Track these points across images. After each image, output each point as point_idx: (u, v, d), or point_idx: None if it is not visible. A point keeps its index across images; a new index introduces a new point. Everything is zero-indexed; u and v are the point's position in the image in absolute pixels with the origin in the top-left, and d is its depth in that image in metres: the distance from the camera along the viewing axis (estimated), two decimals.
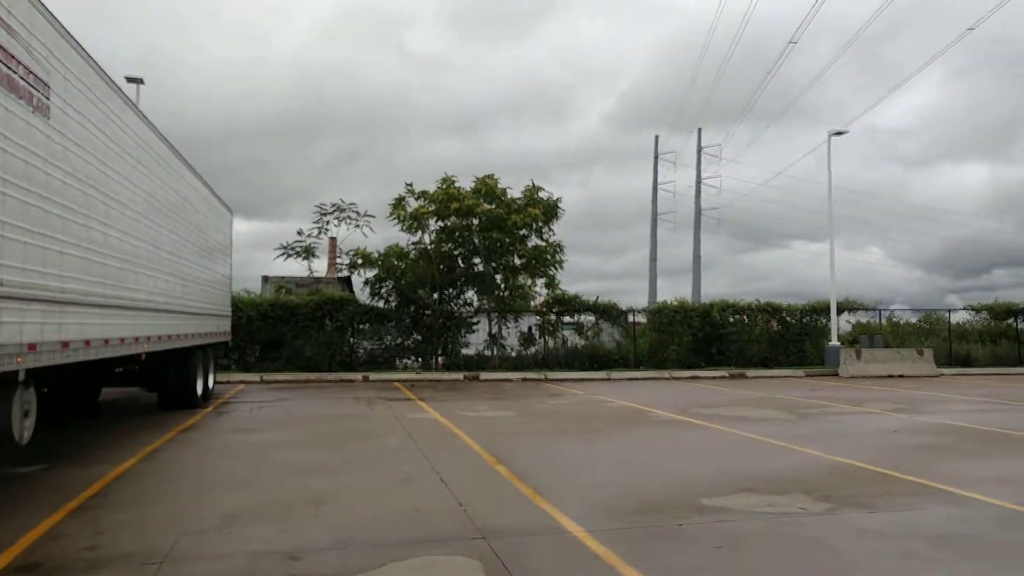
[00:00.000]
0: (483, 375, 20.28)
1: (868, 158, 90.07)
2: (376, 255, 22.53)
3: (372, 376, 19.54)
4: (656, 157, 62.04)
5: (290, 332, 21.07)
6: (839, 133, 24.05)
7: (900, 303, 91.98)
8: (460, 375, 20.12)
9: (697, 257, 58.56)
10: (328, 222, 22.43)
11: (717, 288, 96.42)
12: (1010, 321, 27.99)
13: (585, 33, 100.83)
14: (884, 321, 28.89)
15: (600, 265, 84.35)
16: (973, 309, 28.80)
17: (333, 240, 31.80)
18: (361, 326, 22.71)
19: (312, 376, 19.15)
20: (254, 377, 18.59)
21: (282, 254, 22.20)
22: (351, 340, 22.21)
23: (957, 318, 29.21)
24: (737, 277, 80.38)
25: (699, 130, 58.17)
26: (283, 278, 23.82)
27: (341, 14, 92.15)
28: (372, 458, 7.87)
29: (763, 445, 8.80)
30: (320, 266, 23.93)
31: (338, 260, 22.76)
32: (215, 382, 14.46)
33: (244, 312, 20.44)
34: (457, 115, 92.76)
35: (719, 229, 74.18)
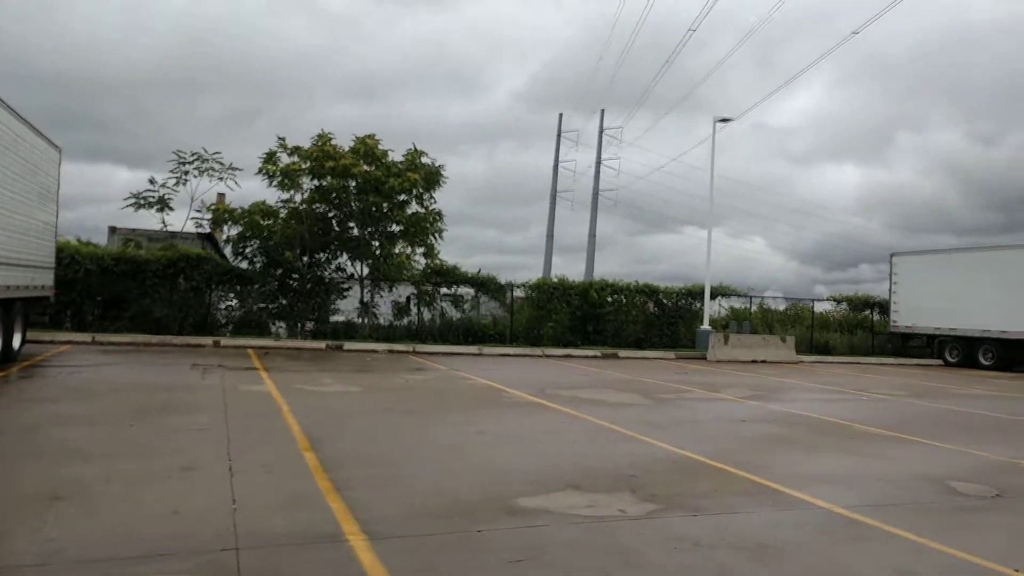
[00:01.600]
0: (348, 345, 19.21)
1: (757, 153, 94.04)
2: (240, 211, 20.87)
3: (225, 341, 18.06)
4: (559, 135, 61.99)
5: (137, 289, 19.16)
6: (725, 120, 24.36)
7: (775, 290, 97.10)
8: (323, 344, 18.97)
9: (592, 236, 59.16)
10: (187, 172, 20.45)
11: (611, 267, 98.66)
12: (867, 313, 29.56)
13: (500, 8, 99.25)
14: (756, 307, 29.86)
15: (501, 239, 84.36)
16: (835, 300, 30.23)
17: (222, 196, 29.44)
18: (222, 287, 21.08)
19: (155, 339, 17.47)
20: (86, 337, 16.73)
21: (132, 204, 20.11)
22: (208, 302, 20.54)
23: (821, 308, 30.62)
24: (631, 258, 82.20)
25: (602, 111, 58.38)
26: (134, 230, 21.69)
27: None
28: (164, 440, 6.81)
29: (609, 433, 8.37)
30: (177, 219, 21.95)
31: (196, 214, 20.90)
32: (25, 341, 12.73)
33: (82, 265, 18.42)
34: (365, 80, 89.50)
35: (616, 210, 75.35)
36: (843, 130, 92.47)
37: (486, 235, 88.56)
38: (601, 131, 60.56)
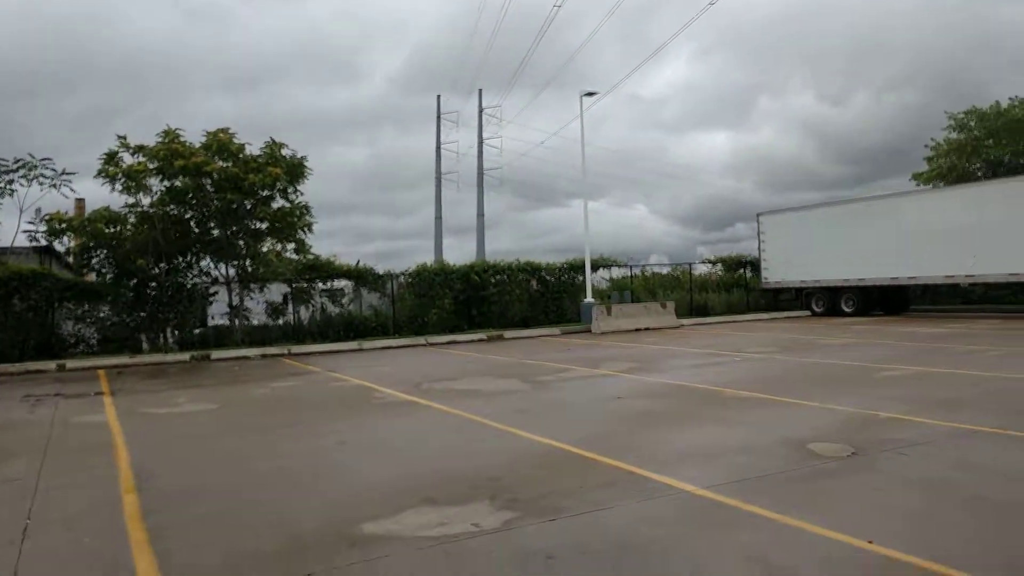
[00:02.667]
0: (217, 354, 17.96)
1: (634, 123, 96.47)
2: (80, 219, 19.01)
3: (73, 364, 16.44)
4: (439, 117, 61.25)
5: None
6: (590, 94, 24.44)
7: (661, 254, 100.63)
8: (187, 356, 17.62)
9: (480, 215, 58.99)
10: (12, 180, 18.31)
11: (504, 244, 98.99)
12: (741, 271, 30.80)
13: None
14: (639, 273, 30.46)
15: (391, 225, 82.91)
16: (710, 262, 31.31)
17: (81, 202, 26.73)
18: (68, 304, 19.18)
19: None
20: None
21: None
22: (52, 321, 18.65)
23: (702, 270, 31.65)
24: (523, 234, 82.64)
25: (479, 91, 58.37)
26: None
27: None
28: None
29: (479, 428, 7.97)
30: (8, 233, 19.68)
31: (29, 226, 18.81)
32: None
33: None
34: (237, 71, 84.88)
35: (503, 188, 75.53)
36: (710, 97, 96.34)
37: (377, 222, 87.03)
38: (480, 111, 60.42)
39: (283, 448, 7.38)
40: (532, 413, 8.77)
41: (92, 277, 20.41)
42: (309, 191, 45.19)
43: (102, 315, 19.42)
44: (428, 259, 24.69)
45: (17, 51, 63.55)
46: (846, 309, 25.01)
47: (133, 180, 19.23)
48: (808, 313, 26.40)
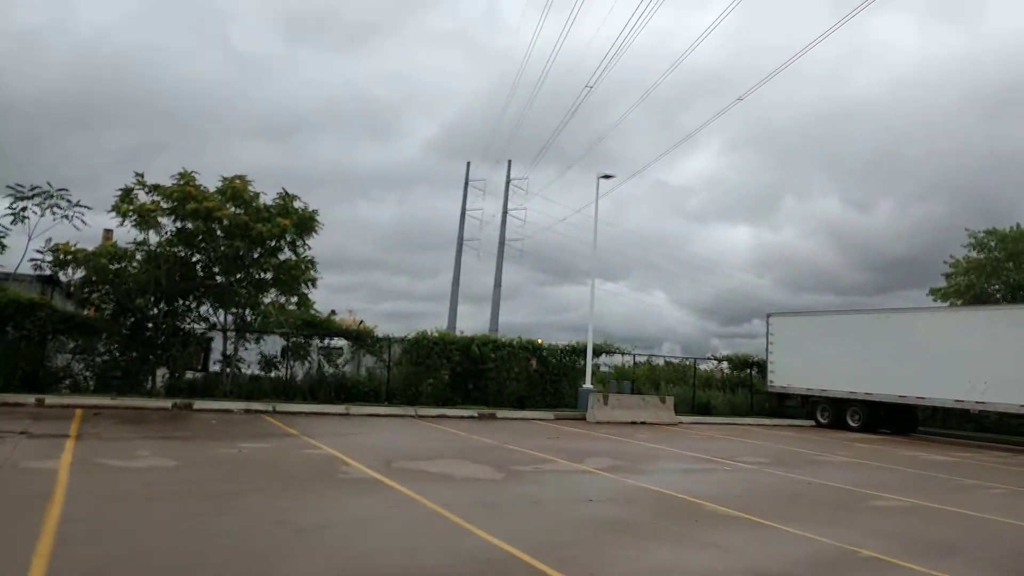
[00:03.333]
0: (201, 404, 17.62)
1: (660, 209, 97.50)
2: (85, 253, 19.08)
3: (53, 400, 16.16)
4: (467, 183, 62.11)
5: None
6: (607, 176, 24.58)
7: (673, 343, 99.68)
8: (170, 403, 17.30)
9: (498, 285, 58.88)
10: (25, 207, 18.52)
11: (519, 317, 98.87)
12: (748, 372, 30.15)
13: (415, 60, 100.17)
14: (644, 360, 29.96)
15: (410, 286, 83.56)
16: (716, 359, 30.73)
17: (109, 233, 27.06)
18: (61, 337, 19.05)
19: None
20: None
21: None
22: (43, 354, 18.49)
23: (708, 365, 31.07)
24: (538, 308, 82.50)
25: (509, 162, 58.99)
26: None
27: None
28: None
29: (434, 521, 7.51)
30: (9, 260, 19.72)
31: (37, 255, 18.91)
32: None
33: None
34: (276, 121, 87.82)
35: (523, 261, 76.04)
36: (735, 191, 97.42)
37: (397, 282, 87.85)
38: (508, 181, 61.12)
39: (219, 524, 6.95)
40: (495, 508, 8.31)
41: (91, 311, 20.40)
42: (332, 243, 45.64)
43: (94, 351, 19.26)
44: (442, 324, 24.52)
45: (71, 85, 66.22)
46: (852, 423, 24.23)
47: (144, 218, 19.41)
48: (812, 423, 25.62)
